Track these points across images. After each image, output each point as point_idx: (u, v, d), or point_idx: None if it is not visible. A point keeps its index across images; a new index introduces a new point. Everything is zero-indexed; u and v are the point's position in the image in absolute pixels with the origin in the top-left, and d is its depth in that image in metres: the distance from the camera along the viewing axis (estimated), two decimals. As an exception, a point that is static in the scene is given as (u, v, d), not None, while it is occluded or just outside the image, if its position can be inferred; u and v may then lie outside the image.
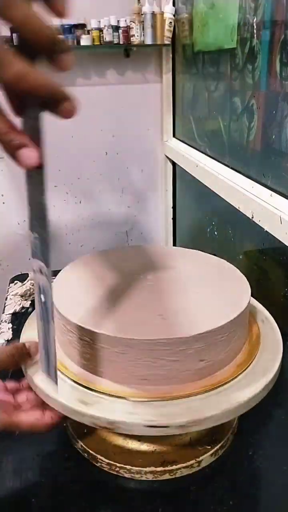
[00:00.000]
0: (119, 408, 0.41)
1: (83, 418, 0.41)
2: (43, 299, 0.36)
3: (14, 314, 0.82)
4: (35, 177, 0.31)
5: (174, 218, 1.50)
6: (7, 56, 0.25)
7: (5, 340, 0.74)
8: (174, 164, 1.40)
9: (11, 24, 0.25)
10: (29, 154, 0.28)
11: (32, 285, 0.90)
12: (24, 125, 0.29)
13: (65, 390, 0.43)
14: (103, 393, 0.43)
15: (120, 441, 0.50)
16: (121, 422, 0.40)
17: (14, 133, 0.28)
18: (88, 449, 0.49)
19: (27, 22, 0.25)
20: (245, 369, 0.46)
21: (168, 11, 1.21)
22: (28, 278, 0.93)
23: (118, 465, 0.48)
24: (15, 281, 0.93)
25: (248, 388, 0.43)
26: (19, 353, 0.44)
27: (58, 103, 0.27)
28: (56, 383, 0.40)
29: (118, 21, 1.19)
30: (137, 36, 1.20)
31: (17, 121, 0.29)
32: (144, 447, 0.49)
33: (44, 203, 0.32)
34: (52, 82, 0.26)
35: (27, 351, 0.44)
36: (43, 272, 0.34)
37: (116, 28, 1.19)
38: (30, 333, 0.53)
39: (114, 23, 1.19)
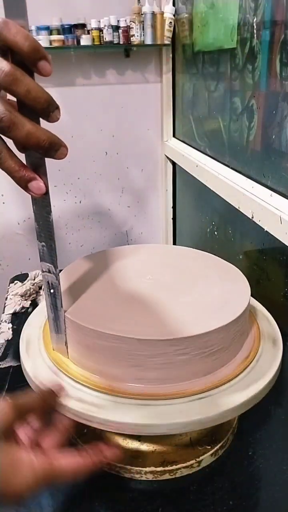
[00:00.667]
0: (113, 407, 0.41)
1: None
2: (52, 292, 0.44)
3: (14, 314, 0.82)
4: (42, 200, 0.38)
5: (174, 218, 1.50)
6: (19, 119, 0.32)
7: (5, 340, 0.74)
8: (174, 164, 1.40)
9: (16, 97, 0.32)
10: (38, 186, 0.35)
11: (32, 285, 0.90)
12: (28, 159, 0.36)
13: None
14: (99, 391, 0.43)
15: (120, 441, 0.50)
16: (119, 422, 0.40)
17: (24, 170, 0.34)
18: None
19: (29, 94, 0.31)
20: (245, 369, 0.46)
21: (168, 11, 1.21)
22: (28, 278, 0.93)
23: (118, 465, 0.48)
24: (15, 281, 0.93)
25: (247, 388, 0.43)
26: (49, 395, 0.41)
27: (57, 151, 0.34)
28: (68, 357, 0.47)
29: (118, 21, 1.19)
30: (137, 36, 1.20)
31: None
32: (144, 447, 0.49)
33: (50, 220, 0.39)
34: (52, 136, 0.33)
35: (55, 394, 0.41)
36: (51, 272, 0.43)
37: (116, 28, 1.19)
38: (30, 331, 0.53)
39: (114, 23, 1.19)
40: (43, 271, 0.43)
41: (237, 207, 0.84)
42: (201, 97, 1.11)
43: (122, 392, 0.43)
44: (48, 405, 0.40)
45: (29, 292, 0.89)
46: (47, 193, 0.36)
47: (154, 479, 0.47)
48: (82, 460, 0.36)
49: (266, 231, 0.73)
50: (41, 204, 0.38)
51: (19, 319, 0.81)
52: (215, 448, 0.49)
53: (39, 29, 1.15)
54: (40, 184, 0.35)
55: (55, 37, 1.16)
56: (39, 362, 0.48)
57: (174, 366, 0.43)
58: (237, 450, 0.51)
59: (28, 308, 0.85)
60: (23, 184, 0.35)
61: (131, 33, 1.20)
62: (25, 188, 0.35)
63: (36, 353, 0.49)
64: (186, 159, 1.18)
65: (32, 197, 0.37)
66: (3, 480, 0.32)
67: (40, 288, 0.92)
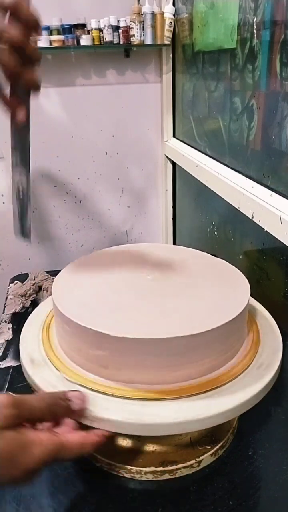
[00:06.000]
0: (113, 407, 0.41)
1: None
2: (21, 196, 0.49)
3: (14, 314, 0.82)
4: (22, 129, 0.46)
5: (174, 218, 1.51)
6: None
7: (5, 340, 0.74)
8: (174, 164, 1.40)
9: (4, 7, 0.37)
10: (21, 113, 0.43)
11: (32, 285, 0.90)
12: (14, 92, 0.43)
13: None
14: (97, 391, 0.43)
15: (120, 441, 0.49)
16: (117, 421, 0.40)
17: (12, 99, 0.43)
18: (88, 449, 0.49)
19: (17, 6, 0.38)
20: (245, 369, 0.46)
21: (168, 11, 1.21)
22: (28, 278, 0.93)
23: (118, 465, 0.48)
24: (15, 281, 0.93)
25: (247, 388, 0.43)
26: (58, 403, 0.38)
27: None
28: (30, 241, 0.53)
29: (118, 21, 1.19)
30: (137, 36, 1.20)
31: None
32: (144, 447, 0.49)
33: (28, 140, 0.47)
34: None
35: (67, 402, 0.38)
36: (22, 174, 0.48)
37: (116, 28, 1.19)
38: (30, 331, 0.53)
39: (114, 23, 1.19)
40: (13, 181, 0.48)
41: (237, 207, 0.84)
42: (201, 97, 1.11)
43: (120, 393, 0.43)
44: (54, 414, 0.37)
45: (29, 292, 0.89)
46: (28, 123, 0.45)
47: (154, 479, 0.47)
48: (86, 434, 0.38)
49: (266, 231, 0.73)
50: (22, 132, 0.46)
51: (19, 319, 0.81)
52: (215, 448, 0.49)
53: (39, 29, 1.15)
54: (22, 112, 0.43)
55: (55, 37, 1.16)
56: (39, 362, 0.48)
57: (172, 365, 0.43)
58: (237, 450, 0.51)
59: (28, 308, 0.85)
60: (12, 109, 0.43)
61: (131, 33, 1.20)
62: (12, 113, 0.43)
63: (36, 353, 0.49)
64: (186, 159, 1.18)
65: (13, 128, 0.45)
66: (13, 461, 0.32)
67: (40, 288, 0.92)
